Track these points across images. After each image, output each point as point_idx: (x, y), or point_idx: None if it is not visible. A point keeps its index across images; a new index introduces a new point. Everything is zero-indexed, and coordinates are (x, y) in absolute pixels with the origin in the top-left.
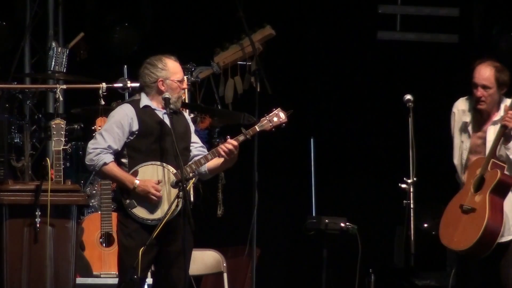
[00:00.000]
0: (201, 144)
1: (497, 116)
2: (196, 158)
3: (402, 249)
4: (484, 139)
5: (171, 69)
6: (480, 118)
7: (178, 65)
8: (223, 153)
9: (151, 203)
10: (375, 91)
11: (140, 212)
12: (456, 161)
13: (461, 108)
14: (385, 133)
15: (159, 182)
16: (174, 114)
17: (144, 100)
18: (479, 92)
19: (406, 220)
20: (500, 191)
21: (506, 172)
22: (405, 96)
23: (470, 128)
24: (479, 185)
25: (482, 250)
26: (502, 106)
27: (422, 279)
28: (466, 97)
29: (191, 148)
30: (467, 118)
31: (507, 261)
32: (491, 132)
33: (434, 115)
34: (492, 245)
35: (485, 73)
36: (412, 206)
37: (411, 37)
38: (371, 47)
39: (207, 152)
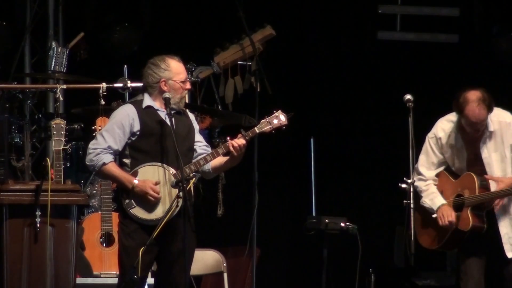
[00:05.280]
0: (205, 143)
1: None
2: (195, 160)
3: (402, 249)
4: (476, 155)
5: (174, 70)
6: (468, 136)
7: (181, 65)
8: (232, 149)
9: (149, 204)
10: (375, 91)
11: (138, 212)
12: (427, 174)
13: (448, 132)
14: (385, 133)
15: (157, 183)
16: (177, 114)
17: (147, 101)
18: (477, 131)
19: (406, 220)
20: None
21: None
22: (405, 96)
23: (463, 148)
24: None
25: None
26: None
27: (422, 279)
28: (447, 119)
29: (195, 147)
30: (458, 140)
31: None
32: (485, 151)
33: (434, 115)
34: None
35: (480, 115)
36: (412, 206)
37: (411, 37)
38: (371, 47)
39: (210, 151)
